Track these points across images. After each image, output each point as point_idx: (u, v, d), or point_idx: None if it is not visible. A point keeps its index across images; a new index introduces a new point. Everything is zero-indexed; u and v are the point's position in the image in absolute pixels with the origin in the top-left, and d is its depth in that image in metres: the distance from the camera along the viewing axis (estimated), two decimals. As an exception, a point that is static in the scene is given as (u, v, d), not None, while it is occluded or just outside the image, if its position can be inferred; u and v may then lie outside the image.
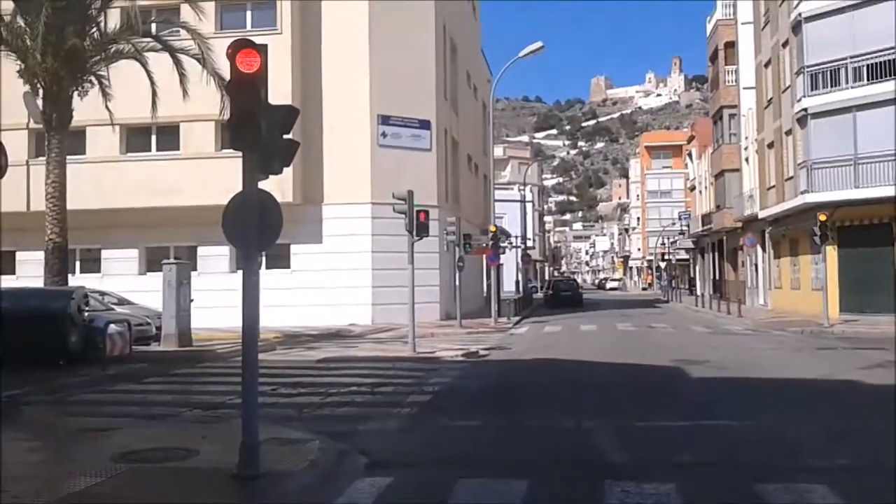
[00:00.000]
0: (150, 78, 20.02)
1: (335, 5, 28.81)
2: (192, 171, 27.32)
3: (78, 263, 28.79)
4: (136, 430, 9.42)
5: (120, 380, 14.20)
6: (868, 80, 26.38)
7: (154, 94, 20.10)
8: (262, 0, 28.26)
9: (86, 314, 15.91)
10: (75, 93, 19.01)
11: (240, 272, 7.25)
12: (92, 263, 29.63)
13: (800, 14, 28.39)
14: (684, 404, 11.37)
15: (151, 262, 28.01)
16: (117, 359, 15.45)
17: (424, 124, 29.79)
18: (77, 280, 22.80)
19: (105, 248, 29.55)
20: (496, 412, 10.84)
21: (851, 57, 26.79)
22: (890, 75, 25.75)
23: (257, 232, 7.03)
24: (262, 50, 6.99)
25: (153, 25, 22.49)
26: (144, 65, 19.86)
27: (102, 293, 21.46)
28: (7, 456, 7.21)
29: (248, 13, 28.61)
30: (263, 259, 7.71)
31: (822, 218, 24.54)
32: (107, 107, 19.90)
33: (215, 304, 22.78)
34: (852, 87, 26.72)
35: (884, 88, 25.85)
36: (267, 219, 7.09)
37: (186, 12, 21.45)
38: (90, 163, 27.24)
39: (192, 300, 19.40)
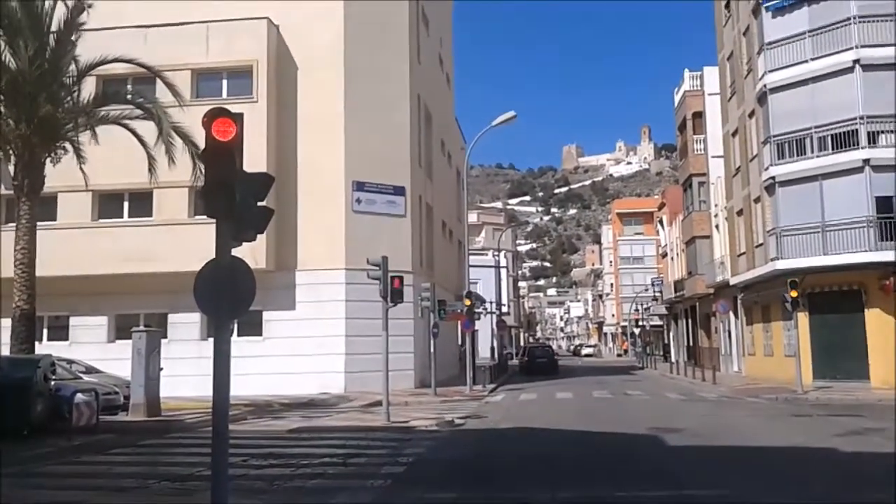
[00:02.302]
0: (140, 139, 20.09)
1: (311, 74, 29.17)
2: (164, 238, 27.16)
3: (45, 331, 28.35)
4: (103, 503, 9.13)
5: (86, 451, 13.84)
6: (833, 149, 27.01)
7: (149, 158, 20.12)
8: (238, 69, 28.56)
9: (52, 383, 15.57)
10: (48, 159, 18.96)
11: (211, 340, 7.12)
12: (60, 331, 29.11)
13: (765, 85, 29.15)
14: (662, 474, 11.23)
15: (121, 330, 27.41)
16: (84, 429, 15.07)
17: (399, 190, 29.93)
18: (44, 348, 22.38)
19: (74, 315, 29.03)
20: (472, 484, 10.64)
21: (815, 127, 27.48)
22: (852, 145, 26.43)
23: (230, 299, 6.96)
24: (238, 119, 7.05)
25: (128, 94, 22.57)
26: (128, 128, 19.96)
27: (70, 361, 21.03)
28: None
29: (225, 82, 28.85)
30: (235, 326, 7.58)
31: (794, 294, 24.71)
32: (81, 169, 19.83)
33: (186, 373, 22.41)
34: (817, 157, 27.32)
35: (847, 157, 26.46)
36: (239, 286, 7.02)
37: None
38: (61, 229, 26.98)
39: (161, 369, 19.04)
